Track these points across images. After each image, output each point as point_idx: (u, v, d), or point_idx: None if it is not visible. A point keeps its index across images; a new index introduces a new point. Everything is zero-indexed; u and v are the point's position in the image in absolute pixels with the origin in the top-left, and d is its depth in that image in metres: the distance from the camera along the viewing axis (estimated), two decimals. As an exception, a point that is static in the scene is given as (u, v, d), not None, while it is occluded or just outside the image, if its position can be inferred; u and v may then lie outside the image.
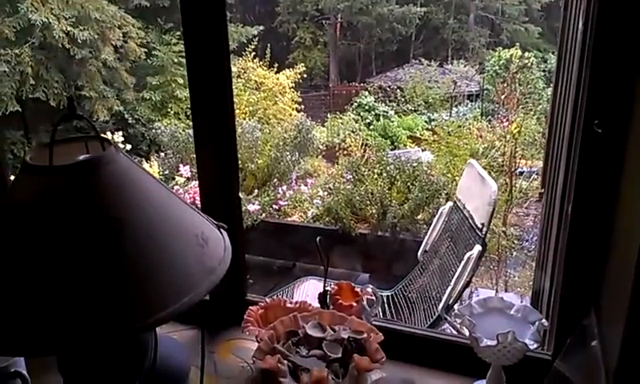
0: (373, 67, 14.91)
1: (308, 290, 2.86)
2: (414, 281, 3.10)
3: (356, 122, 9.14)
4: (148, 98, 8.23)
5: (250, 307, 1.23)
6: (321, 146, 6.58)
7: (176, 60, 8.34)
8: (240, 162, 4.83)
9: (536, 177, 4.97)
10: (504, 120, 5.80)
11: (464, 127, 6.90)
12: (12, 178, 1.48)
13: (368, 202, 4.50)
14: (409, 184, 4.60)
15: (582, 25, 1.13)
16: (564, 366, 1.03)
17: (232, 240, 0.89)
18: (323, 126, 8.63)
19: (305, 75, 8.56)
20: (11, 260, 0.73)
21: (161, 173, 5.08)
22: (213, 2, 1.18)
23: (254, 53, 7.66)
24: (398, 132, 9.01)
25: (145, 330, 0.85)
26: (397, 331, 1.25)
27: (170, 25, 8.94)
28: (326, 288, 1.26)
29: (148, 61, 8.35)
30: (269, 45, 8.34)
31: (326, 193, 5.02)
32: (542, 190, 2.86)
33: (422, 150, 7.09)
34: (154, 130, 6.00)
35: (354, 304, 1.20)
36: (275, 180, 5.15)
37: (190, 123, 1.33)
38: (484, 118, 8.95)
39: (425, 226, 4.17)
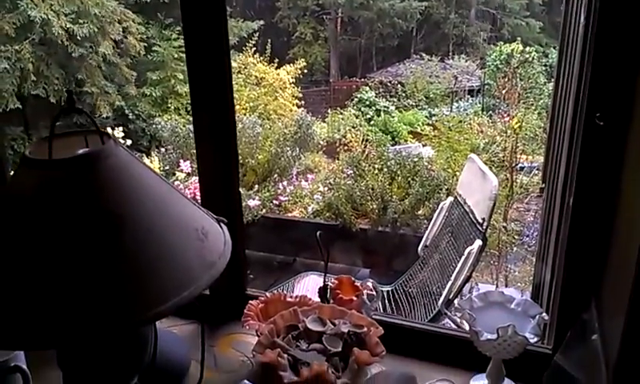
0: (373, 62, 14.87)
1: (308, 285, 2.86)
2: (414, 276, 3.10)
3: (357, 118, 9.12)
4: (148, 93, 8.22)
5: (250, 301, 1.23)
6: (321, 142, 6.57)
7: (176, 55, 8.32)
8: (240, 157, 4.83)
9: (537, 172, 4.96)
10: (505, 115, 5.79)
11: (465, 122, 6.88)
12: (12, 173, 1.48)
13: (368, 198, 4.50)
14: (409, 179, 4.60)
15: (583, 19, 1.13)
16: (564, 359, 1.03)
17: (232, 234, 0.89)
18: (324, 121, 8.61)
19: (305, 71, 8.55)
20: (10, 253, 0.72)
21: (161, 168, 5.08)
22: (213, -4, 1.18)
23: (254, 48, 7.65)
24: (398, 127, 9.00)
25: (144, 324, 0.85)
26: (397, 325, 1.25)
27: (170, 20, 8.92)
28: (326, 282, 1.26)
29: (148, 56, 8.33)
30: (269, 40, 8.32)
31: (326, 188, 5.02)
32: (543, 185, 2.85)
33: (423, 146, 7.09)
34: (154, 126, 5.99)
35: (354, 298, 1.20)
36: (275, 175, 5.15)
37: (191, 118, 1.33)
38: (485, 113, 8.93)
39: (425, 221, 4.17)
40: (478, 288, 3.65)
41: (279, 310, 1.17)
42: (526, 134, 5.43)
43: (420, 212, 4.42)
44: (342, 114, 9.11)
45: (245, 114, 5.88)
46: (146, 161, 5.28)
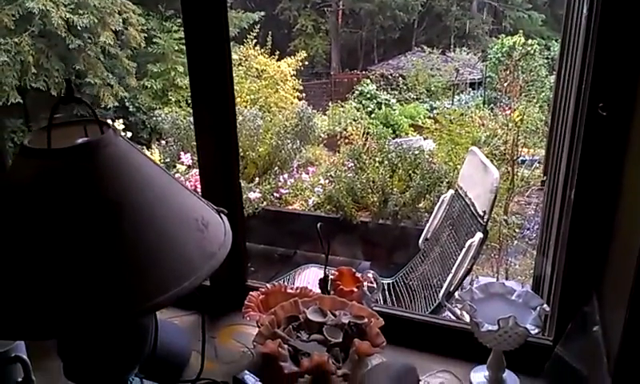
0: (375, 55, 14.81)
1: (309, 278, 2.87)
2: (414, 269, 3.10)
3: (358, 111, 9.09)
4: (149, 85, 8.20)
5: (251, 293, 1.23)
6: (322, 135, 6.55)
7: (177, 47, 8.28)
8: (241, 149, 4.82)
9: (538, 165, 4.95)
10: (506, 108, 5.77)
11: (466, 115, 6.86)
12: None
13: (369, 190, 4.50)
14: (410, 172, 4.59)
15: (586, 10, 1.12)
16: (565, 351, 1.03)
17: (232, 226, 0.89)
18: (325, 114, 8.58)
19: (306, 63, 8.50)
20: (8, 243, 0.72)
21: (162, 161, 5.08)
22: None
23: (255, 40, 7.61)
24: (399, 120, 8.96)
25: (144, 314, 0.85)
26: (397, 317, 1.25)
27: (170, 12, 8.88)
28: (327, 274, 1.26)
29: (148, 48, 8.30)
30: (270, 32, 8.28)
31: (327, 181, 5.02)
32: (544, 178, 2.85)
33: (424, 139, 7.07)
34: (155, 118, 5.98)
35: (355, 289, 1.20)
36: (276, 168, 5.15)
37: (191, 111, 1.32)
38: (486, 106, 8.90)
39: (426, 213, 4.16)
40: (479, 281, 3.63)
41: (280, 301, 1.17)
42: (528, 127, 5.41)
43: (421, 205, 4.41)
44: (342, 106, 9.08)
45: (245, 107, 5.85)
46: (147, 153, 5.27)
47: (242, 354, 1.20)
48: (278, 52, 7.84)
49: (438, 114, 7.98)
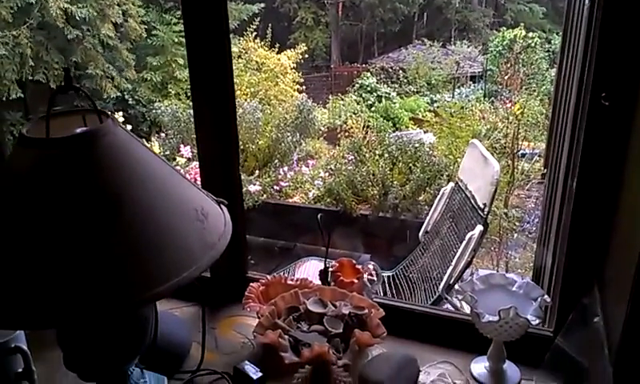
0: (375, 48, 14.74)
1: (309, 270, 2.87)
2: (414, 261, 3.10)
3: (358, 104, 9.07)
4: (148, 78, 8.17)
5: (251, 284, 1.23)
6: (322, 128, 6.54)
7: (176, 40, 8.25)
8: (241, 142, 4.80)
9: (538, 159, 4.95)
10: (507, 101, 5.76)
11: (466, 109, 6.84)
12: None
13: (369, 183, 4.49)
14: (410, 165, 4.59)
15: (588, 0, 1.11)
16: (565, 342, 1.03)
17: (232, 217, 0.89)
18: (325, 107, 8.56)
19: (306, 56, 8.47)
20: (7, 232, 0.72)
21: (162, 153, 5.06)
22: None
23: (254, 33, 7.58)
24: (399, 113, 8.94)
25: (144, 304, 0.85)
26: (398, 308, 1.25)
27: (170, 4, 8.83)
28: (327, 265, 1.26)
29: (148, 41, 8.27)
30: (270, 25, 8.24)
31: (327, 174, 5.01)
32: (545, 170, 2.84)
33: (424, 132, 7.05)
34: (154, 111, 5.96)
35: (355, 281, 1.20)
36: (276, 161, 5.14)
37: (191, 104, 1.32)
38: (487, 99, 8.87)
39: (426, 206, 4.16)
40: (479, 274, 3.64)
41: (280, 292, 1.17)
42: (528, 121, 5.40)
43: (421, 198, 4.41)
44: (342, 99, 9.06)
45: (245, 100, 5.84)
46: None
47: (242, 344, 1.20)
48: (277, 45, 7.81)
49: (438, 107, 7.96)
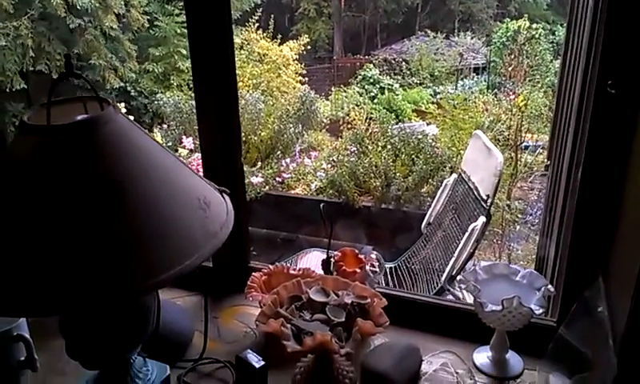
0: (378, 39, 14.66)
1: (311, 262, 2.86)
2: (417, 253, 3.10)
3: (360, 96, 9.02)
4: (151, 69, 8.15)
5: (254, 274, 1.23)
6: (325, 120, 6.51)
7: (179, 31, 8.21)
8: (243, 134, 4.80)
9: (541, 151, 4.93)
10: (510, 93, 5.73)
11: (470, 100, 6.81)
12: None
13: (372, 175, 4.48)
14: (413, 157, 4.57)
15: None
16: (569, 332, 1.02)
17: (235, 207, 0.89)
18: (327, 99, 8.53)
19: (309, 47, 8.42)
20: (8, 219, 0.72)
21: (164, 145, 5.05)
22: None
23: (257, 24, 7.54)
24: (402, 105, 8.90)
25: (147, 292, 0.84)
26: (400, 298, 1.24)
27: (172, -6, 8.79)
28: (330, 255, 1.26)
29: (150, 32, 8.24)
30: (272, 16, 8.20)
31: (329, 165, 5.00)
32: (548, 162, 2.83)
33: (427, 124, 7.02)
34: (157, 102, 5.95)
35: (358, 270, 1.19)
36: (279, 152, 5.13)
37: (193, 95, 1.31)
38: (490, 91, 8.82)
39: (429, 198, 4.15)
40: (481, 265, 3.64)
41: (282, 282, 1.17)
42: (532, 112, 5.38)
43: (424, 189, 4.40)
44: (345, 91, 9.02)
45: (247, 91, 5.82)
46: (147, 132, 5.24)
47: (244, 333, 1.20)
48: (280, 36, 7.77)
49: (441, 99, 7.92)
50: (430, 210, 3.19)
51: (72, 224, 0.70)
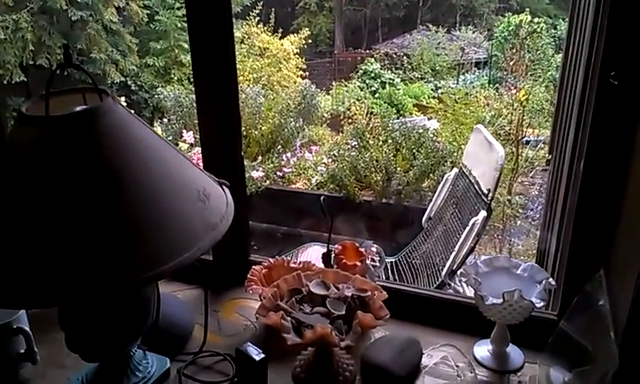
0: (379, 34, 14.61)
1: (312, 256, 2.86)
2: (417, 247, 3.10)
3: (361, 90, 9.00)
4: (151, 63, 8.13)
5: (254, 267, 1.22)
6: (325, 115, 6.50)
7: (179, 25, 8.17)
8: (244, 128, 4.79)
9: (542, 146, 4.91)
10: (512, 87, 5.70)
11: (471, 95, 6.79)
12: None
13: (373, 169, 4.48)
14: (414, 151, 4.56)
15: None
16: (570, 326, 1.02)
17: (235, 200, 0.88)
18: (328, 93, 8.50)
19: (310, 41, 8.40)
20: (7, 210, 0.71)
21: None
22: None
23: (257, 18, 7.51)
24: (403, 100, 8.87)
25: (146, 283, 0.84)
26: (401, 291, 1.24)
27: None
28: (330, 248, 1.25)
29: (150, 26, 8.21)
30: (273, 9, 8.17)
31: (330, 160, 4.99)
32: (549, 157, 2.81)
33: (429, 119, 7.01)
34: (157, 96, 5.94)
35: (358, 263, 1.19)
36: (279, 147, 5.12)
37: (194, 89, 1.31)
38: (491, 85, 8.80)
39: (430, 193, 4.15)
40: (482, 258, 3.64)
41: (282, 275, 1.16)
42: (533, 107, 5.36)
43: (424, 184, 4.39)
44: (346, 86, 8.99)
45: (248, 85, 5.80)
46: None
47: (244, 326, 1.20)
48: (281, 30, 7.74)
49: (442, 93, 7.89)
50: (431, 204, 3.19)
51: (71, 215, 0.70)
